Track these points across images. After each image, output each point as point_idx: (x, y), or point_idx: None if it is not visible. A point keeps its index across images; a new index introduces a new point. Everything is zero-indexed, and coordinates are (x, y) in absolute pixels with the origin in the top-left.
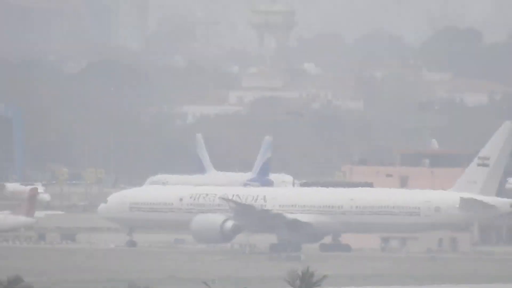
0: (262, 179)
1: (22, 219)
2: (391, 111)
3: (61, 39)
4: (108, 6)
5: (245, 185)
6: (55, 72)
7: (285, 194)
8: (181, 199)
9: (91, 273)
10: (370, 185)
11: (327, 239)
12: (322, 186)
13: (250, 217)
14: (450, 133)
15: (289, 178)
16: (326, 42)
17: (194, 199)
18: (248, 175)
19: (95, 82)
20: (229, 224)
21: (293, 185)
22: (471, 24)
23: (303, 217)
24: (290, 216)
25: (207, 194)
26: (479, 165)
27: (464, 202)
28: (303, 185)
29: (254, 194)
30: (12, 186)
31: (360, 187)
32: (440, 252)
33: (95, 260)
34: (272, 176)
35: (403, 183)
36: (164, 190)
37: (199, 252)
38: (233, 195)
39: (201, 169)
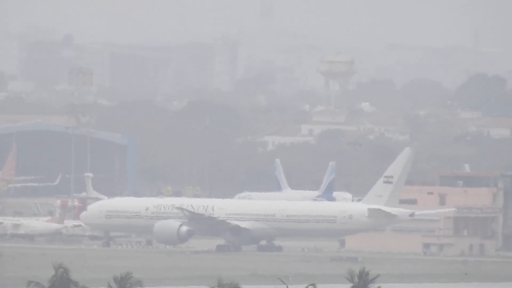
0: (327, 196)
1: None
2: (432, 142)
3: (167, 82)
4: (205, 56)
5: (313, 200)
6: (162, 109)
7: (230, 205)
8: (146, 208)
9: (187, 271)
10: (414, 201)
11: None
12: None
13: (200, 223)
14: (479, 160)
15: (348, 195)
16: (379, 86)
17: (157, 208)
18: (316, 193)
19: (194, 117)
20: (184, 228)
21: (352, 201)
22: (497, 73)
23: (243, 224)
24: (233, 222)
25: (167, 205)
26: (384, 182)
27: (371, 211)
28: (359, 201)
29: (205, 204)
30: None
31: (401, 203)
32: (471, 256)
33: (191, 261)
34: (335, 194)
35: (442, 200)
36: (133, 201)
37: (276, 255)
38: (187, 205)
39: (278, 188)
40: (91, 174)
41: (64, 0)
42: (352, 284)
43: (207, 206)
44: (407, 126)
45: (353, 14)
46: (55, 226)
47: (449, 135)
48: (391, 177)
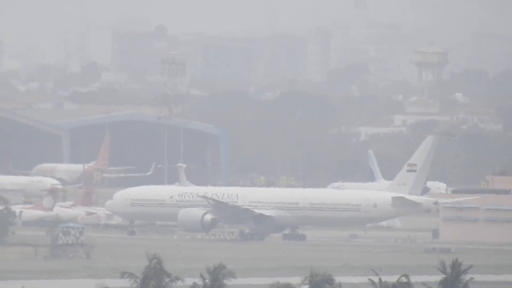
0: None
1: None
2: None
3: (260, 73)
4: (298, 47)
5: None
6: (254, 100)
7: (254, 193)
8: (171, 197)
9: (279, 261)
10: (508, 191)
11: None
12: (469, 193)
13: (223, 211)
14: None
15: (443, 185)
16: (472, 76)
17: (181, 197)
18: None
19: (287, 108)
20: (208, 217)
21: (446, 191)
22: None
23: (267, 212)
24: (256, 211)
25: (191, 193)
26: (408, 170)
27: (395, 200)
28: (454, 191)
29: (229, 193)
30: None
31: (494, 193)
32: None
33: (281, 252)
34: (429, 184)
35: None
36: (158, 189)
37: (369, 246)
38: (211, 194)
39: (372, 178)
40: (184, 165)
41: None
42: (444, 275)
43: (232, 194)
44: (500, 116)
45: (445, 4)
46: None
47: None
48: (415, 165)
